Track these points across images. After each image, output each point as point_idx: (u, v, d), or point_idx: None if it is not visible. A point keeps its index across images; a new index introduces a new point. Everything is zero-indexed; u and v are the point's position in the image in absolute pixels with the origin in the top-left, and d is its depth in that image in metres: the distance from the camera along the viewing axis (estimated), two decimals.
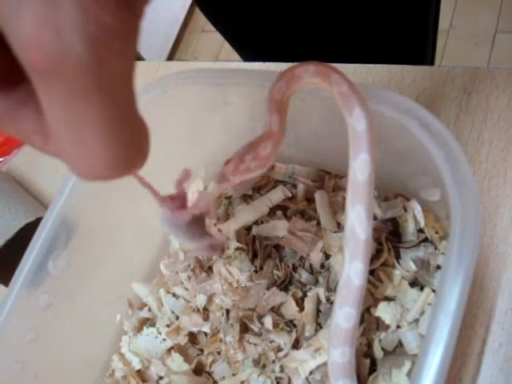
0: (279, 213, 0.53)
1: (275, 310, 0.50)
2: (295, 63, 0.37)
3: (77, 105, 0.18)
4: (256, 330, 0.50)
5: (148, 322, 0.57)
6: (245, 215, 0.53)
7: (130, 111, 0.21)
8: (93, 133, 0.19)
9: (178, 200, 0.36)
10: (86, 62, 0.17)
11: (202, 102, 0.49)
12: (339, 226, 0.51)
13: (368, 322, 0.46)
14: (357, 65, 0.62)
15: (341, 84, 0.36)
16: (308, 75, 0.36)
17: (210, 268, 0.54)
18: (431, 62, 0.88)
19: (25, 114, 0.21)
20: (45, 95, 0.19)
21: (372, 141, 0.36)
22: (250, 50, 0.88)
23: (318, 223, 0.51)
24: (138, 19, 0.18)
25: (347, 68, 0.62)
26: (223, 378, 0.51)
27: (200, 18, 0.84)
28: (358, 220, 0.38)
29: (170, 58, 2.18)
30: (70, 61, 0.17)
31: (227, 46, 0.89)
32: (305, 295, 0.49)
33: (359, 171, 0.37)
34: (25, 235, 0.63)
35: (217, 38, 0.88)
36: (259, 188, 0.56)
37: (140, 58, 1.41)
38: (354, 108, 0.35)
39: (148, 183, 0.34)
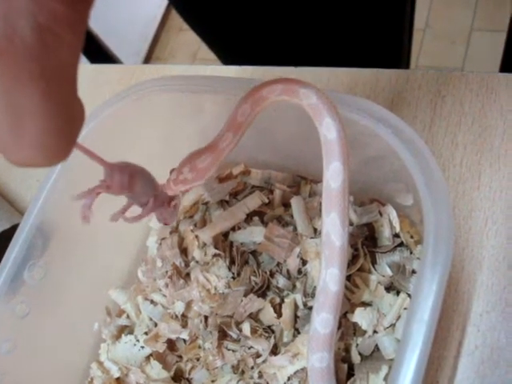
0: (256, 219, 0.53)
1: (253, 317, 0.50)
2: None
3: (19, 91, 0.19)
4: (234, 336, 0.50)
5: (126, 329, 0.56)
6: (222, 221, 0.53)
7: (70, 102, 0.21)
8: (32, 121, 0.20)
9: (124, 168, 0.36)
10: (31, 49, 0.17)
11: (176, 110, 0.49)
12: (316, 232, 0.51)
13: (345, 328, 0.47)
14: (331, 68, 0.62)
15: (309, 96, 0.36)
16: (275, 95, 0.37)
17: (188, 275, 0.53)
18: (407, 63, 0.89)
19: None
20: None
21: (344, 149, 0.36)
22: (227, 52, 0.88)
23: (295, 229, 0.51)
24: (87, 11, 0.19)
25: (322, 71, 0.62)
26: None
27: (177, 17, 0.84)
28: (332, 227, 0.38)
29: (148, 56, 2.17)
30: (16, 45, 0.17)
31: (205, 44, 0.90)
32: (282, 301, 0.49)
33: (332, 179, 0.37)
34: (0, 243, 0.62)
35: (194, 36, 0.88)
36: (236, 194, 0.56)
37: (117, 61, 1.39)
38: (323, 118, 0.36)
39: (92, 152, 0.34)
